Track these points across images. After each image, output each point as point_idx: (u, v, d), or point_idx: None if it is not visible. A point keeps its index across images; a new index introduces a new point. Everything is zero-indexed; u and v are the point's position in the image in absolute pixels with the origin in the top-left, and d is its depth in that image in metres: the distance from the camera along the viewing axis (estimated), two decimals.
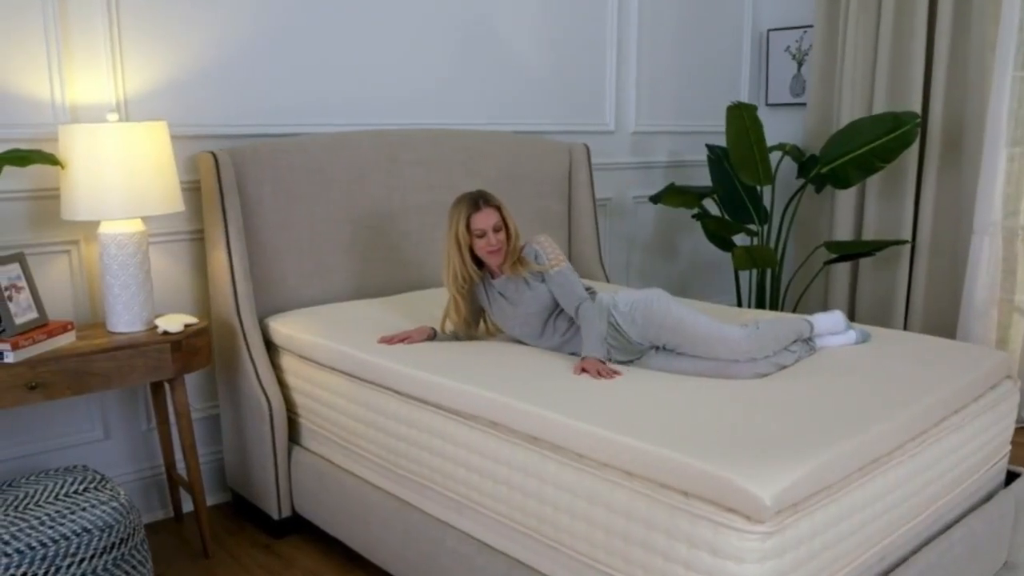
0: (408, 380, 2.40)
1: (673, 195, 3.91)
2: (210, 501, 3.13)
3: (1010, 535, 2.54)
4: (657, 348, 2.51)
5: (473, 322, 2.79)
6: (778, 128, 4.78)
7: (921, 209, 4.16)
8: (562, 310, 2.60)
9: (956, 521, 2.33)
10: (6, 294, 2.40)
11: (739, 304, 4.25)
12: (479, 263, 2.66)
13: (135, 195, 2.56)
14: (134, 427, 2.98)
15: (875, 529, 1.98)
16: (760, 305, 4.14)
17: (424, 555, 2.37)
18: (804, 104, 4.59)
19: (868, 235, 4.30)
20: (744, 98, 4.82)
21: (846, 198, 4.36)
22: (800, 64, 4.66)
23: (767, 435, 1.88)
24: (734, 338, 2.38)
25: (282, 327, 2.90)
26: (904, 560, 2.11)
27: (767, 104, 4.85)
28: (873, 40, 4.24)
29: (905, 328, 4.29)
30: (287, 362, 2.90)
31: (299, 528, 2.92)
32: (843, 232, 4.39)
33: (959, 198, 4.08)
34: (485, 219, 2.54)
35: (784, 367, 2.42)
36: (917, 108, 4.08)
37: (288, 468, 2.87)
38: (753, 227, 4.08)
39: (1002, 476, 2.62)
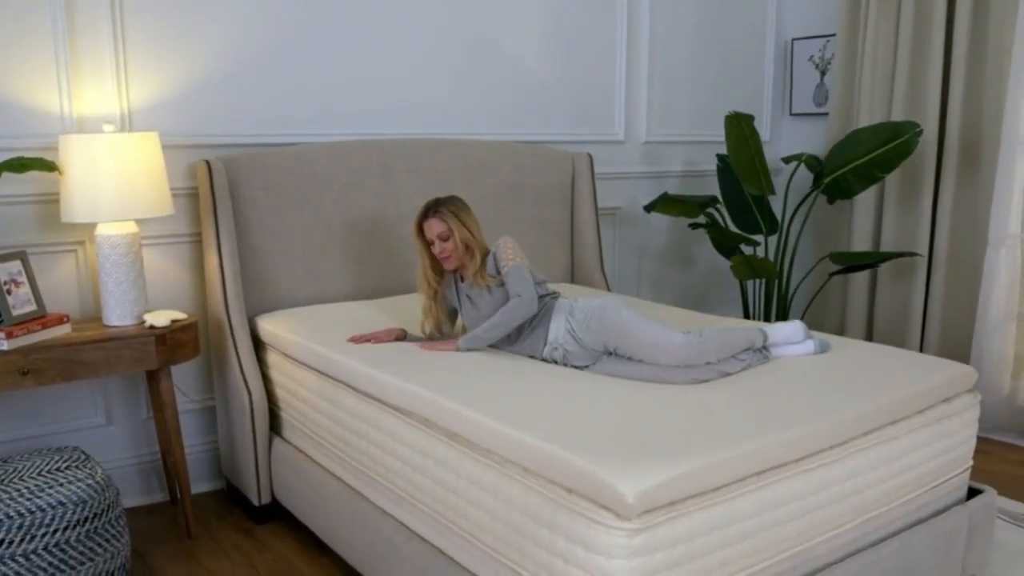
0: (356, 375, 2.54)
1: (668, 204, 3.93)
2: (205, 488, 3.35)
3: (963, 554, 2.48)
4: (610, 353, 2.57)
5: (448, 322, 2.90)
6: (802, 138, 4.74)
7: (938, 220, 4.06)
8: None
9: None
10: (5, 288, 2.65)
11: (746, 315, 4.23)
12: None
13: (127, 199, 2.78)
14: (135, 414, 3.21)
15: (780, 535, 1.99)
16: (767, 317, 4.11)
17: (366, 543, 2.49)
18: (827, 114, 4.53)
19: (886, 247, 4.22)
20: (767, 108, 4.79)
21: (864, 209, 4.29)
22: (823, 73, 4.60)
23: (661, 437, 1.93)
24: (674, 344, 2.42)
25: (268, 325, 3.08)
26: (821, 570, 2.11)
27: (791, 114, 4.80)
28: (892, 48, 4.17)
29: (922, 342, 4.18)
30: (272, 358, 3.08)
31: (282, 516, 3.09)
32: (861, 243, 4.32)
33: (977, 209, 3.97)
34: (430, 229, 2.68)
35: (728, 375, 2.44)
36: (935, 117, 4.00)
37: (268, 457, 3.05)
38: (756, 238, 4.06)
39: (962, 492, 2.57)
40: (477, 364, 2.54)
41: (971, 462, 2.57)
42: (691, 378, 2.39)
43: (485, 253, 2.76)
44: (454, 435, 2.17)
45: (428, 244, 2.74)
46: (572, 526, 1.79)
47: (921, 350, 4.16)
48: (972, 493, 2.61)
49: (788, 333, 2.67)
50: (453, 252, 2.70)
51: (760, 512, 1.93)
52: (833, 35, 4.47)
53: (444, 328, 2.87)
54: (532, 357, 2.68)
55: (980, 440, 3.82)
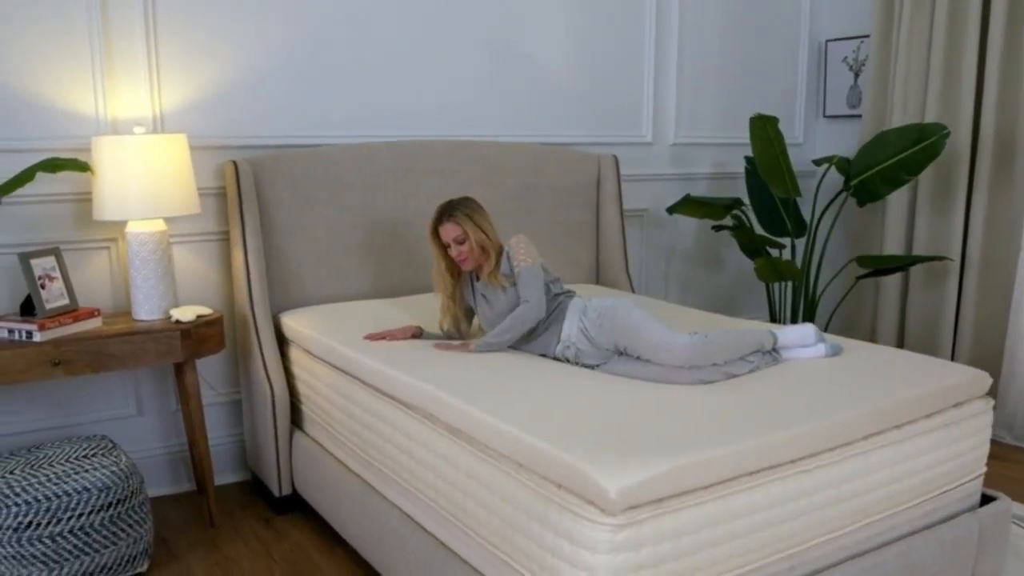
0: (368, 371, 2.61)
1: (690, 206, 3.92)
2: (231, 479, 3.46)
3: (973, 561, 2.44)
4: (621, 353, 2.59)
5: (466, 320, 2.94)
6: (836, 140, 4.70)
7: (972, 223, 3.99)
8: None
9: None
10: (39, 283, 2.78)
11: (772, 318, 4.20)
12: None
13: (155, 198, 2.89)
14: (164, 406, 3.33)
15: (774, 536, 1.99)
16: (793, 320, 4.08)
17: (375, 534, 2.56)
18: (860, 116, 4.47)
19: (919, 250, 4.16)
20: (800, 110, 4.76)
21: (896, 212, 4.23)
22: (857, 75, 4.55)
23: (654, 435, 1.95)
24: (679, 345, 2.43)
25: (291, 321, 3.17)
26: (819, 572, 2.11)
27: (824, 116, 4.76)
28: (926, 49, 4.11)
29: (954, 348, 4.11)
30: (294, 354, 3.16)
31: (301, 507, 3.17)
32: (893, 247, 4.26)
33: (1011, 212, 3.89)
34: (445, 233, 2.73)
35: (735, 376, 2.45)
36: (969, 118, 3.93)
37: (289, 450, 3.13)
38: (783, 240, 4.03)
39: (974, 499, 2.53)
40: (487, 362, 2.58)
41: (984, 468, 2.53)
42: (696, 379, 2.40)
43: (500, 251, 2.80)
44: (456, 430, 2.22)
45: (444, 247, 2.80)
46: (560, 520, 1.82)
47: (953, 356, 4.09)
48: (987, 500, 2.57)
49: (799, 336, 2.66)
50: (469, 254, 2.74)
51: (752, 512, 1.94)
52: (867, 36, 4.42)
53: (462, 326, 2.92)
54: (544, 355, 2.71)
55: (1012, 449, 3.77)
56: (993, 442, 3.83)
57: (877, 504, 2.22)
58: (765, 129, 3.67)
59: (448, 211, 2.76)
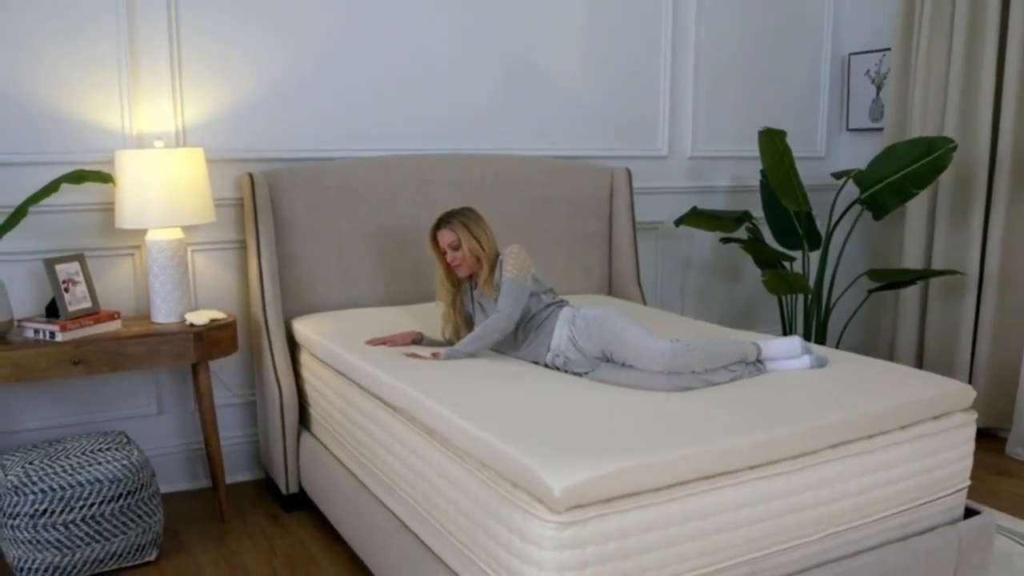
0: (362, 374, 2.73)
1: (698, 219, 3.95)
2: (245, 477, 3.61)
3: (952, 575, 2.43)
4: (608, 360, 2.66)
5: (467, 328, 3.03)
6: (858, 153, 4.67)
7: (989, 239, 3.93)
8: (526, 321, 2.81)
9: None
10: (63, 286, 2.97)
11: (785, 332, 4.20)
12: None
13: (173, 208, 3.06)
14: (183, 406, 3.50)
15: (729, 541, 2.03)
16: (806, 334, 4.07)
17: (364, 531, 2.67)
18: (882, 129, 4.45)
19: (937, 264, 4.12)
20: (823, 123, 4.75)
21: (915, 226, 4.20)
22: (879, 88, 4.53)
23: (613, 438, 2.02)
24: (658, 351, 2.49)
25: (301, 327, 3.31)
26: None
27: (848, 129, 4.74)
28: (945, 63, 4.08)
29: (972, 365, 4.04)
30: (304, 358, 3.30)
31: (309, 505, 3.29)
32: (912, 261, 4.22)
33: None
34: (442, 238, 2.86)
35: (714, 384, 2.49)
36: (987, 132, 3.89)
37: (296, 449, 3.27)
38: (795, 253, 4.03)
39: (957, 512, 2.52)
40: (475, 369, 2.67)
41: (968, 481, 2.52)
42: (675, 385, 2.45)
43: (495, 260, 2.89)
44: (431, 431, 2.31)
45: (443, 253, 2.91)
46: (513, 518, 1.90)
47: (971, 372, 4.03)
48: (973, 514, 2.56)
49: (784, 347, 2.69)
50: (463, 261, 2.85)
51: (704, 516, 1.98)
52: (889, 49, 4.40)
53: (462, 333, 3.01)
54: (536, 363, 2.79)
55: None
56: (1009, 459, 3.80)
57: (845, 514, 2.23)
58: (774, 142, 3.69)
59: (446, 218, 2.88)
